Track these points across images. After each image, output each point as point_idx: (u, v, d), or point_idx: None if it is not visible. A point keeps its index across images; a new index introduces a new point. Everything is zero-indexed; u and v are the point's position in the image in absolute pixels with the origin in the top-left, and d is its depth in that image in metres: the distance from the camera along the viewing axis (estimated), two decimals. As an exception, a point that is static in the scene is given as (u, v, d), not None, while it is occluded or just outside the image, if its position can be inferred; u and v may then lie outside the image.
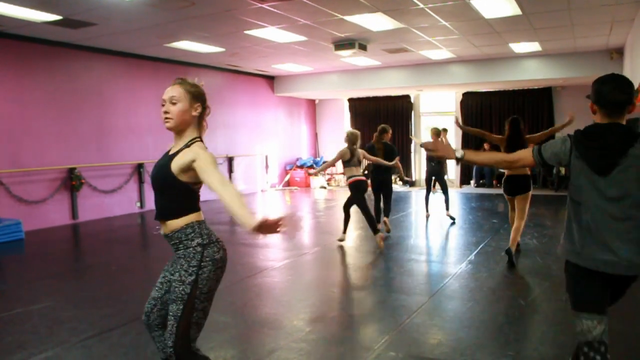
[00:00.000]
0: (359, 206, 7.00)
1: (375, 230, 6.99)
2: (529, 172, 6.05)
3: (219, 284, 2.62)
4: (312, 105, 17.57)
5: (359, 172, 7.18)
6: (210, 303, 2.60)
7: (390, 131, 8.19)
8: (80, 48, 9.75)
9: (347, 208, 7.31)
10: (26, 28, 8.24)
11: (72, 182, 9.56)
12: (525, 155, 2.68)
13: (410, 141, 15.59)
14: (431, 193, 9.64)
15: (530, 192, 6.01)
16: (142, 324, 2.72)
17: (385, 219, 8.03)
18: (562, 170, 12.88)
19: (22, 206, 8.84)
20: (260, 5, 7.23)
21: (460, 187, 15.02)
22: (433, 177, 9.58)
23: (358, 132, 7.41)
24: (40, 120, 9.17)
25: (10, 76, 8.75)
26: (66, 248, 8.00)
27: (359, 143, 7.31)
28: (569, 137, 2.51)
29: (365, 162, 8.04)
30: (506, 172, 6.16)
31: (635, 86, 8.39)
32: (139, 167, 11.04)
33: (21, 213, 8.71)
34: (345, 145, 7.19)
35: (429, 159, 9.53)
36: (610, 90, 2.41)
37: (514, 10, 7.82)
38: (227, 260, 2.63)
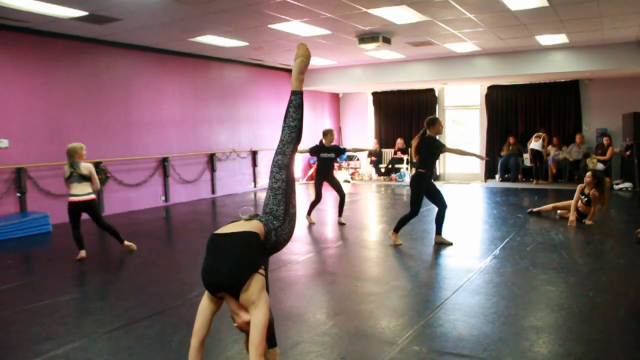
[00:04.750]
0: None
1: None
2: None
3: None
4: (336, 99, 17.53)
5: None
6: None
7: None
8: (105, 43, 9.88)
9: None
10: (53, 24, 8.37)
11: (98, 175, 9.67)
12: None
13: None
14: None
15: None
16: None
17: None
18: (590, 164, 12.64)
19: (49, 200, 9.01)
20: (283, -1, 7.24)
21: (485, 181, 14.87)
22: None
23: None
24: (67, 115, 9.32)
25: (38, 72, 8.90)
26: (92, 241, 8.10)
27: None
28: None
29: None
30: None
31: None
32: (164, 161, 11.15)
33: (49, 206, 8.88)
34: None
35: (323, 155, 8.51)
36: None
37: (541, 1, 7.69)
38: None
